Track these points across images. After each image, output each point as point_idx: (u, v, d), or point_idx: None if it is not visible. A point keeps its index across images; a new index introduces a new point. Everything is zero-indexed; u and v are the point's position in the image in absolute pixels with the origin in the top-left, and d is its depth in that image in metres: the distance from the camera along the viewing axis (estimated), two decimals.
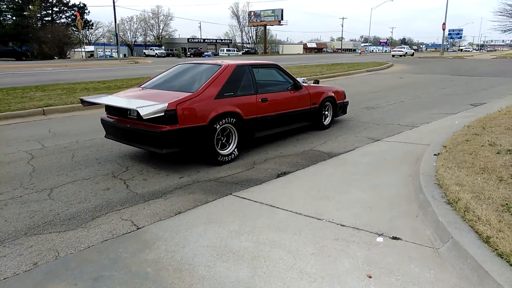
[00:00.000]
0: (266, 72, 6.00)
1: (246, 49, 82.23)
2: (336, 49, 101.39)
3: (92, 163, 5.11)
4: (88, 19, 61.46)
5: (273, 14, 75.62)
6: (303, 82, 7.37)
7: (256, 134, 5.44)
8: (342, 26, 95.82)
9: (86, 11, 59.86)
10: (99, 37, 74.86)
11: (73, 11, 56.48)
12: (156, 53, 62.88)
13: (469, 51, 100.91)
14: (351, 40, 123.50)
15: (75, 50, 52.70)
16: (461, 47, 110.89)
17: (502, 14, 32.27)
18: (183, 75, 5.50)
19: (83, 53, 52.31)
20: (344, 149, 5.60)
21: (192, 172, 4.71)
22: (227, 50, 72.93)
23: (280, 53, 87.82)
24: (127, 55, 63.16)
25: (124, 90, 6.30)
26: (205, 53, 67.93)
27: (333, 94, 6.88)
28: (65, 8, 58.40)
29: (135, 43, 76.53)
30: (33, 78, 17.99)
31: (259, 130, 5.47)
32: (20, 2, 52.25)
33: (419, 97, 11.10)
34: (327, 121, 6.92)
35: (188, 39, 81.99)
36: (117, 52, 42.47)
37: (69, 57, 50.61)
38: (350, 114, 8.31)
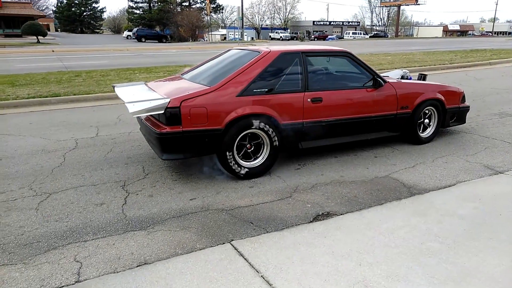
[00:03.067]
0: (331, 63, 4.46)
1: (375, 32, 76.15)
2: (485, 32, 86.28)
3: (118, 163, 4.50)
4: (220, 4, 65.09)
5: None
6: (402, 77, 5.54)
7: (302, 144, 4.11)
8: (496, 4, 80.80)
9: None
10: (233, 21, 78.84)
11: None
12: (281, 36, 63.35)
13: None
14: (508, 22, 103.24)
15: (211, 33, 56.29)
16: None
17: None
18: (222, 64, 4.40)
19: (218, 36, 55.54)
20: (437, 183, 3.76)
21: (210, 192, 3.65)
22: (353, 33, 68.49)
23: (414, 36, 78.97)
24: (254, 38, 64.92)
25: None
26: (329, 36, 65.01)
27: (439, 96, 4.85)
28: None
29: (263, 26, 78.04)
30: (152, 59, 19.18)
31: (306, 140, 4.11)
32: None
33: None
34: (426, 133, 4.96)
35: (313, 22, 79.78)
36: (240, 35, 43.81)
37: (207, 40, 54.38)
38: (471, 121, 6.05)
